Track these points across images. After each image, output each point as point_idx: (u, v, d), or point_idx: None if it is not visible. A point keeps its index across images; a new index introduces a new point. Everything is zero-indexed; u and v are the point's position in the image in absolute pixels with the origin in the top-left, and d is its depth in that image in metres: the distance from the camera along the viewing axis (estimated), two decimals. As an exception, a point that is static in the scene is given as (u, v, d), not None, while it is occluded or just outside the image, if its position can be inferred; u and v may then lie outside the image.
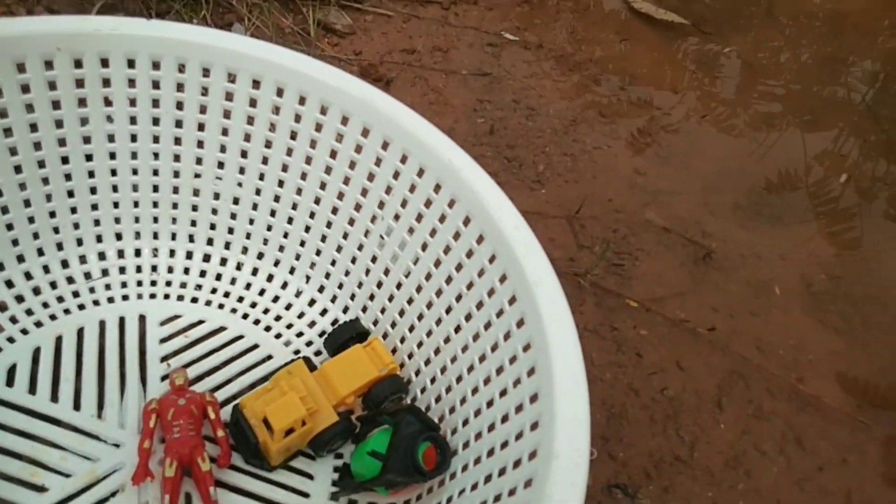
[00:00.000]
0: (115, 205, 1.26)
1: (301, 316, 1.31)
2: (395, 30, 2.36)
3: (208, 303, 1.29)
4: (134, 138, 1.21)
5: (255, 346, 1.25)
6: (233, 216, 1.31)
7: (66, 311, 1.20)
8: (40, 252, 1.23)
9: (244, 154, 1.24)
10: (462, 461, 1.00)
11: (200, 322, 1.26)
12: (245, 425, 1.06)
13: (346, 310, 1.31)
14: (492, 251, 1.05)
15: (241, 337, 1.26)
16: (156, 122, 1.20)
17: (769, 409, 1.50)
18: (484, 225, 1.06)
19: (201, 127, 1.21)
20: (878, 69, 2.59)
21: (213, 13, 2.13)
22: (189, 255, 1.33)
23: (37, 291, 1.21)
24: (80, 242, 1.26)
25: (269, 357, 1.24)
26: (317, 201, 1.25)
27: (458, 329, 1.11)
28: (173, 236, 1.32)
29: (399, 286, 1.21)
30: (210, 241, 1.34)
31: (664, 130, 2.17)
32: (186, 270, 1.31)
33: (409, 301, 1.20)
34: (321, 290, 1.32)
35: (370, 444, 1.05)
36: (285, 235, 1.31)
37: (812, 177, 2.11)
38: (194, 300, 1.29)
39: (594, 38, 2.50)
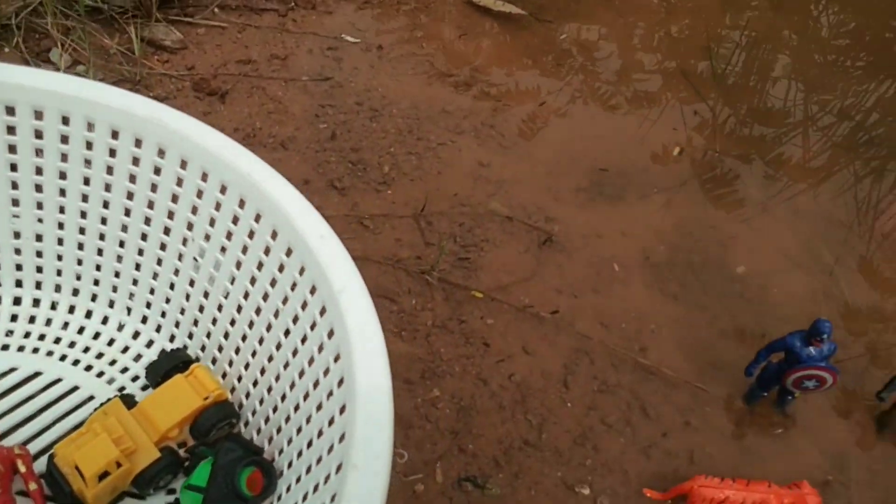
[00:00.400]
0: None
1: (125, 350, 1.25)
2: (230, 41, 2.30)
3: (21, 348, 1.20)
4: (-88, 183, 1.12)
5: (75, 389, 1.18)
6: (38, 254, 1.23)
7: None
8: None
9: (39, 188, 1.16)
10: (286, 482, 0.98)
11: (12, 370, 1.17)
12: (58, 474, 1.00)
13: (172, 338, 1.25)
14: (301, 263, 1.02)
15: (59, 380, 1.18)
16: (-67, 163, 1.11)
17: (614, 383, 1.54)
18: (290, 237, 1.03)
19: (-14, 164, 1.13)
20: (719, 46, 2.71)
21: (27, 40, 2.01)
22: (-4, 300, 1.24)
23: None
24: None
25: (91, 398, 1.17)
26: (124, 229, 1.19)
27: (279, 346, 1.08)
28: (-25, 282, 1.23)
29: (220, 308, 1.17)
30: (19, 283, 1.25)
31: (507, 121, 2.20)
32: (-6, 317, 1.23)
33: (232, 322, 1.16)
34: (144, 320, 1.26)
35: (192, 477, 1.01)
36: (98, 268, 1.24)
37: (655, 153, 2.19)
38: (5, 347, 1.20)
39: (436, 35, 2.51)
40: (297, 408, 1.02)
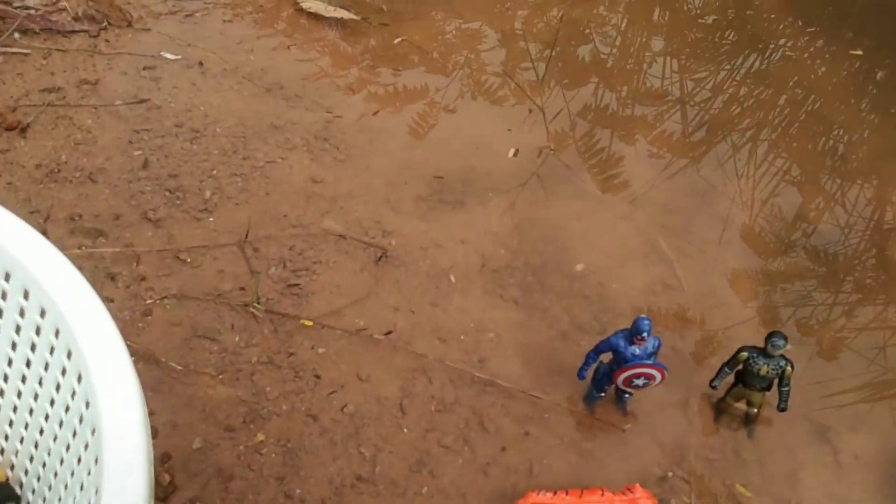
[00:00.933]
0: None
1: None
2: (34, 68, 2.12)
3: None
4: None
5: None
6: None
7: None
8: None
9: None
10: (54, 573, 0.88)
11: None
12: None
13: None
14: (55, 325, 0.92)
15: None
16: None
17: (452, 400, 1.50)
18: (42, 298, 0.93)
19: None
20: (595, 31, 2.72)
21: None
22: None
23: None
24: None
25: None
26: None
27: (47, 417, 0.97)
28: None
29: (-12, 380, 1.05)
30: None
31: (342, 132, 2.13)
32: None
33: (1, 393, 1.04)
34: None
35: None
36: None
37: (493, 156, 2.16)
38: None
39: (264, 46, 2.41)
40: (66, 486, 0.92)
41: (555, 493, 1.28)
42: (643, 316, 1.39)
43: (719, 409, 1.59)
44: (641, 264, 1.93)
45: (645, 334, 1.38)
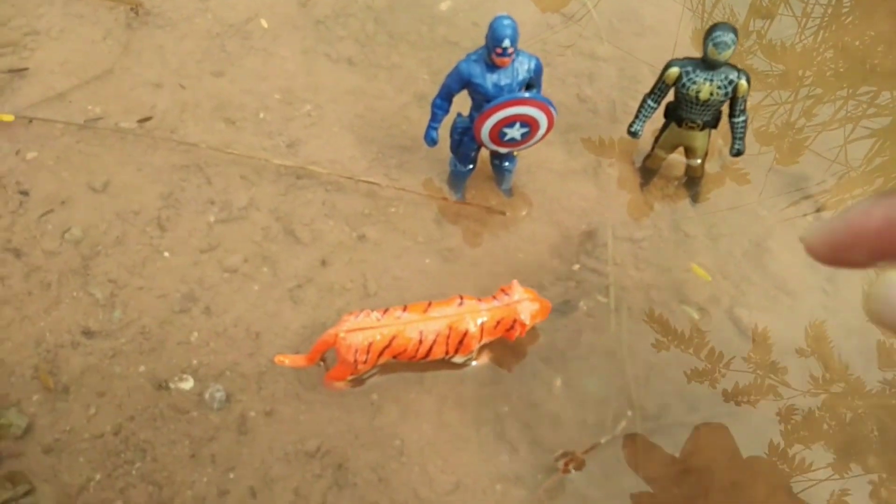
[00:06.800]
0: None
1: None
2: None
3: None
4: None
5: None
6: None
7: None
8: None
9: None
10: None
11: None
12: None
13: None
14: None
15: None
16: None
17: (244, 203, 1.10)
18: None
19: None
20: None
21: None
22: None
23: None
24: None
25: None
26: None
27: None
28: None
29: None
30: None
31: None
32: None
33: None
34: None
35: None
36: None
37: None
38: None
39: None
40: None
41: (384, 310, 0.91)
42: (502, 14, 0.99)
43: (647, 170, 1.22)
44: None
45: (508, 44, 0.97)
